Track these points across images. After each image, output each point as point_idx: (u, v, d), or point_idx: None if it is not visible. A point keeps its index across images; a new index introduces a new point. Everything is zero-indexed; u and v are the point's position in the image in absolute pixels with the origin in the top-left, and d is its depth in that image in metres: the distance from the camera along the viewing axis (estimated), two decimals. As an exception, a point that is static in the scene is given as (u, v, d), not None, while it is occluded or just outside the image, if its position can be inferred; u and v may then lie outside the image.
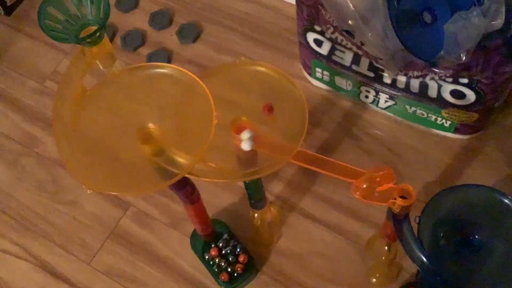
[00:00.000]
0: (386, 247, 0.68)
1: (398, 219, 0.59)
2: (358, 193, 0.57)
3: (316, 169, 0.58)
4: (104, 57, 0.47)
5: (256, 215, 0.73)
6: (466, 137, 0.84)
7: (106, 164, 0.47)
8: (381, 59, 0.69)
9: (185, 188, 0.58)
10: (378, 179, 0.57)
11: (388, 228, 0.64)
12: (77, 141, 0.47)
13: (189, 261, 0.79)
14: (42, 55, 1.00)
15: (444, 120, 0.81)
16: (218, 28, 0.99)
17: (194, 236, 0.78)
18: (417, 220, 0.59)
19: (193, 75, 0.48)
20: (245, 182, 0.64)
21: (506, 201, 0.60)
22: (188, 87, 0.48)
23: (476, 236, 0.61)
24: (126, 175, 0.47)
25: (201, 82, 0.47)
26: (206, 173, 0.50)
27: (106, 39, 0.47)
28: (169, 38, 0.99)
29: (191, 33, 0.98)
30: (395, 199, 0.56)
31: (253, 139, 0.53)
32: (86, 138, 0.48)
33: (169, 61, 0.96)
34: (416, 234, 0.58)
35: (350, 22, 0.65)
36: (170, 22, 1.00)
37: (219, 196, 0.83)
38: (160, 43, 0.99)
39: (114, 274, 0.80)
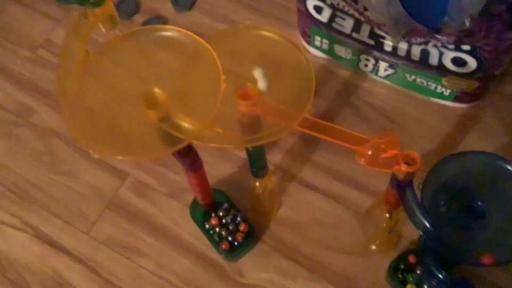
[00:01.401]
0: (387, 214, 0.68)
1: (402, 186, 0.59)
2: (363, 159, 0.57)
3: (321, 136, 0.57)
4: (107, 19, 0.46)
5: (257, 184, 0.73)
6: (466, 105, 0.84)
7: (111, 130, 0.46)
8: (384, 25, 0.68)
9: (189, 155, 0.57)
10: (382, 145, 0.57)
11: (390, 195, 0.64)
12: (82, 108, 0.46)
13: (189, 231, 0.79)
14: (34, 23, 0.98)
15: (444, 89, 0.81)
16: (214, -4, 0.97)
17: (194, 205, 0.78)
18: (420, 187, 0.59)
19: (198, 38, 0.47)
20: (247, 150, 0.64)
21: (507, 166, 0.60)
22: (194, 49, 0.47)
23: (478, 203, 0.61)
24: (131, 141, 0.46)
25: (207, 45, 0.46)
26: (212, 139, 0.49)
27: (108, 1, 0.45)
28: (164, 5, 0.97)
29: (186, 0, 0.96)
30: (400, 165, 0.56)
31: (258, 105, 0.53)
32: (91, 105, 0.47)
33: (164, 30, 0.94)
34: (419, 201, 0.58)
35: (353, -14, 0.64)
36: (164, -11, 0.98)
37: (219, 166, 0.83)
38: (155, 10, 0.97)
39: (114, 244, 0.80)
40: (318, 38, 0.85)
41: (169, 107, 0.46)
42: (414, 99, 0.86)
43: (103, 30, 0.47)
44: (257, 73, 0.50)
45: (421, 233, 0.58)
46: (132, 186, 0.84)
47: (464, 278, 0.60)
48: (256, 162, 0.66)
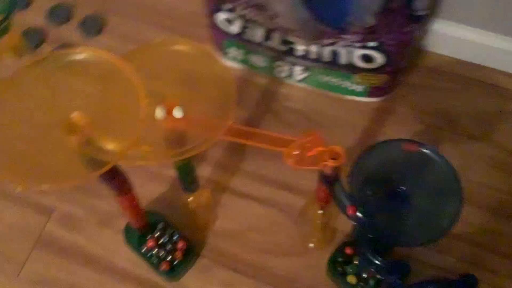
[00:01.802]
0: (320, 211, 0.70)
1: (330, 181, 0.61)
2: (290, 160, 0.59)
3: (248, 142, 0.58)
4: (12, 50, 0.45)
5: (190, 199, 0.72)
6: (379, 99, 0.88)
7: (33, 162, 0.45)
8: (294, 30, 0.70)
9: (117, 178, 0.56)
10: (307, 145, 0.59)
11: (321, 192, 0.65)
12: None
13: (126, 258, 0.77)
14: None
15: (356, 86, 0.85)
16: (123, 18, 0.96)
17: (128, 231, 0.76)
18: (348, 180, 0.62)
19: (112, 56, 0.46)
20: (177, 167, 0.63)
21: (423, 150, 0.64)
22: (108, 70, 0.47)
23: (402, 188, 0.64)
24: (56, 169, 0.44)
25: (122, 63, 0.46)
26: (139, 158, 0.48)
27: (14, 29, 0.44)
28: (71, 32, 0.95)
29: (94, 25, 0.95)
30: (326, 161, 0.58)
31: (184, 118, 0.53)
32: (8, 142, 0.45)
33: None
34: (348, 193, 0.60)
35: (260, -5, 0.66)
36: (70, 16, 0.96)
37: (149, 187, 0.82)
38: (63, 38, 0.95)
39: (48, 283, 0.76)
40: (231, 50, 0.87)
41: (90, 131, 0.45)
42: (330, 99, 0.89)
43: (9, 59, 0.45)
44: (177, 112, 0.50)
45: (354, 223, 0.60)
46: (59, 220, 0.81)
47: (399, 261, 0.63)
48: (186, 177, 0.66)
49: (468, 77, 0.91)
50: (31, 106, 0.48)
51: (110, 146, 0.46)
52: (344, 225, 0.79)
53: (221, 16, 0.80)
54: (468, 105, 0.88)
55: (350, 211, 0.58)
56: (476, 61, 0.91)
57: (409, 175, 0.65)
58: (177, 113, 0.50)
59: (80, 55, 0.47)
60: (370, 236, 0.63)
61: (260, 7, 0.72)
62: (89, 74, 0.48)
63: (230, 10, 0.78)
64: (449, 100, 0.89)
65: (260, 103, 0.90)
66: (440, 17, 0.87)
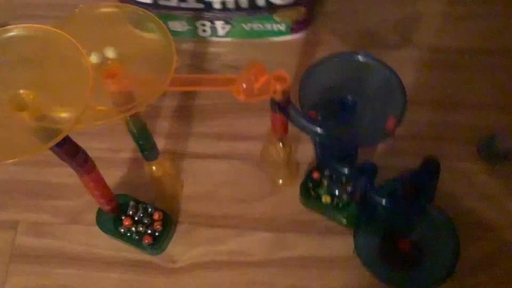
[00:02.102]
0: (280, 144, 0.73)
1: (282, 106, 0.63)
2: (241, 95, 0.60)
3: (195, 89, 0.60)
4: None
5: (153, 168, 0.73)
6: (302, 33, 0.91)
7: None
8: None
9: (78, 155, 0.56)
10: (252, 77, 0.61)
11: (276, 122, 0.68)
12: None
13: (106, 246, 0.77)
14: None
15: (278, 25, 0.87)
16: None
17: (100, 217, 0.76)
18: (299, 101, 0.65)
19: (46, 27, 0.46)
20: (133, 133, 0.64)
21: (359, 58, 0.68)
22: (47, 40, 0.46)
23: (349, 98, 0.68)
24: (10, 145, 0.44)
25: (58, 31, 0.46)
26: (91, 120, 0.49)
27: None
28: None
29: None
30: (274, 87, 0.60)
31: (125, 80, 0.53)
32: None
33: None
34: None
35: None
36: None
37: (108, 174, 0.80)
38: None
39: (33, 293, 0.75)
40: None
41: (40, 104, 0.45)
42: (259, 45, 0.91)
43: None
44: (110, 52, 0.50)
45: (315, 137, 0.63)
46: (26, 231, 0.79)
47: (366, 162, 0.66)
48: (144, 142, 0.66)
49: (377, -7, 0.96)
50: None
51: (62, 115, 0.46)
52: (305, 157, 0.82)
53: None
54: (384, 19, 0.93)
55: (312, 115, 0.61)
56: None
57: (353, 84, 0.68)
58: (110, 53, 0.50)
59: (12, 32, 0.46)
60: (330, 143, 0.66)
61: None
62: (27, 49, 0.47)
63: (140, -21, 0.78)
64: (365, 19, 0.93)
65: (192, 68, 0.90)
66: None
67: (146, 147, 0.67)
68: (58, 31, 0.46)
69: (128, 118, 0.60)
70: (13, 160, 0.42)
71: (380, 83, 0.68)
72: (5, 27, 0.46)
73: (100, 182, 0.64)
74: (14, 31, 0.46)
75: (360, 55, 0.67)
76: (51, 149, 0.50)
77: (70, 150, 0.53)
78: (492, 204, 0.78)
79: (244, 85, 0.59)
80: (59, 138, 0.45)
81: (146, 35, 0.55)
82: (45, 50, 0.47)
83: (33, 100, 0.45)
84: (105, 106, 0.50)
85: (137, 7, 0.55)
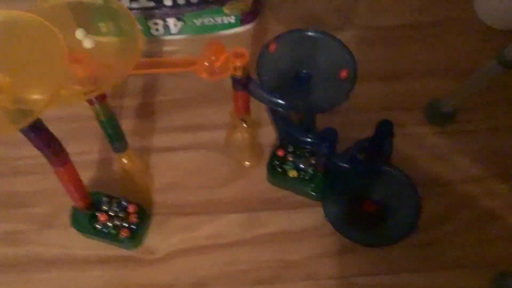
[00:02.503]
0: (243, 124, 0.76)
1: (243, 83, 0.67)
2: (204, 74, 0.64)
3: (157, 71, 0.62)
4: None
5: (124, 160, 0.74)
6: (252, 24, 0.96)
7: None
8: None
9: (53, 144, 0.57)
10: (212, 57, 0.64)
11: (238, 100, 0.71)
12: None
13: (83, 246, 0.77)
14: None
15: (228, 17, 0.91)
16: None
17: (75, 216, 0.76)
18: (257, 77, 0.68)
19: (18, 11, 0.48)
20: (102, 124, 0.66)
21: (310, 34, 0.72)
22: (18, 25, 0.48)
23: (303, 71, 0.72)
24: None
25: (30, 14, 0.48)
26: (61, 102, 0.51)
27: None
28: None
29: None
30: (234, 63, 0.63)
31: (90, 65, 0.55)
32: None
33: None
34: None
35: None
36: None
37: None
38: None
39: (15, 300, 0.74)
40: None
41: (17, 86, 0.47)
42: (211, 39, 0.94)
43: None
44: (79, 34, 0.53)
45: (277, 108, 0.67)
46: (3, 242, 0.79)
47: (327, 128, 0.70)
48: (113, 132, 0.68)
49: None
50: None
51: (37, 97, 0.48)
52: (268, 139, 0.86)
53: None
54: (324, 4, 0.99)
55: (275, 76, 0.64)
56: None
57: (306, 58, 0.73)
58: (80, 34, 0.52)
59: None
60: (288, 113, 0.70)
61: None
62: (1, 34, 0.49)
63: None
64: (308, 6, 0.99)
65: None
66: None
67: (116, 136, 0.69)
68: (29, 14, 0.48)
69: (97, 106, 0.62)
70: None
71: (329, 54, 0.72)
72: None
73: (74, 175, 0.65)
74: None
75: (309, 30, 0.71)
76: (28, 135, 0.52)
77: (45, 137, 0.55)
78: (444, 162, 0.84)
79: (206, 64, 0.63)
80: (31, 118, 0.47)
81: (102, 24, 0.58)
82: (17, 34, 0.49)
83: (9, 83, 0.47)
84: (76, 86, 0.52)
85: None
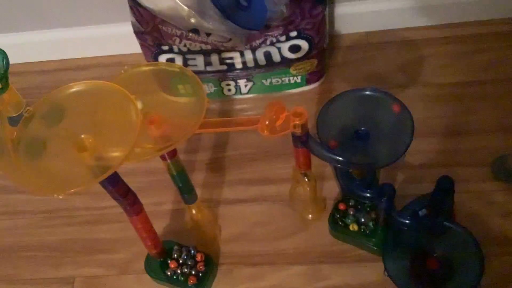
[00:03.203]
0: (306, 179, 0.79)
1: (303, 140, 0.71)
2: (265, 132, 0.68)
3: (224, 130, 0.68)
4: (13, 103, 0.54)
5: (193, 211, 0.80)
6: (317, 84, 1.01)
7: (56, 175, 0.53)
8: (227, 40, 0.82)
9: (129, 195, 0.64)
10: (274, 116, 0.69)
11: (299, 156, 0.75)
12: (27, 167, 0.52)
13: (154, 291, 0.83)
14: None
15: (295, 77, 0.97)
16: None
17: (148, 263, 0.82)
18: (317, 134, 0.72)
19: (100, 81, 0.56)
20: (173, 177, 0.72)
21: (367, 92, 0.76)
22: (100, 92, 0.56)
23: (362, 128, 0.75)
24: (72, 180, 0.53)
25: (111, 83, 0.56)
26: (135, 158, 0.57)
27: (11, 86, 0.53)
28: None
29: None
30: (294, 122, 0.68)
31: (163, 125, 0.62)
32: (32, 163, 0.53)
33: None
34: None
35: (192, 20, 0.77)
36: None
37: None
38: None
39: None
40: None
41: (97, 146, 0.54)
42: (279, 98, 1.00)
43: (12, 113, 0.54)
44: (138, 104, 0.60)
45: (335, 164, 0.70)
46: (83, 285, 0.86)
47: (385, 183, 0.72)
48: (183, 185, 0.74)
49: (381, 42, 1.05)
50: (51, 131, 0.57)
51: (115, 154, 0.55)
52: (331, 193, 0.89)
53: (164, 58, 0.91)
54: (390, 63, 1.02)
55: (332, 144, 0.68)
56: (382, 27, 1.06)
57: (366, 116, 0.76)
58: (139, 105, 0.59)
59: (74, 88, 0.57)
60: (350, 170, 0.73)
61: (193, 33, 0.84)
62: (86, 100, 0.57)
63: (170, 49, 0.89)
64: (373, 65, 1.03)
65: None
66: (338, 1, 1.02)
67: (185, 189, 0.75)
68: (111, 83, 0.56)
69: (169, 161, 0.69)
70: (74, 189, 0.51)
71: (388, 112, 0.75)
72: (68, 84, 0.57)
73: (147, 224, 0.71)
74: (76, 87, 0.56)
75: (368, 89, 0.75)
76: (106, 187, 0.59)
77: (121, 189, 0.62)
78: (511, 220, 0.82)
79: (267, 122, 0.68)
80: (109, 172, 0.53)
81: (180, 86, 0.65)
82: (101, 100, 0.57)
83: (92, 143, 0.54)
84: (149, 145, 0.59)
85: (169, 62, 0.64)
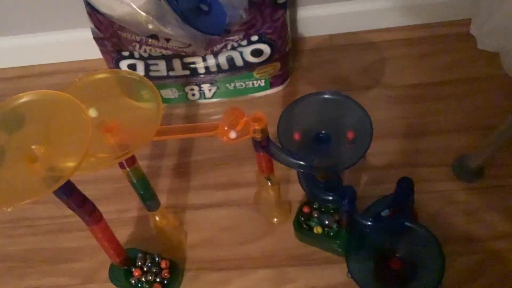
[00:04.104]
0: (268, 183, 0.80)
1: (264, 145, 0.71)
2: (225, 138, 0.68)
3: (183, 136, 0.67)
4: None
5: (157, 218, 0.79)
6: (281, 87, 1.01)
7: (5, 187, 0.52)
8: (187, 46, 0.82)
9: (86, 204, 0.63)
10: (233, 121, 0.69)
11: (261, 161, 0.75)
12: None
13: (120, 300, 0.82)
14: None
15: (259, 81, 0.97)
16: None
17: (112, 272, 0.81)
18: (278, 138, 0.72)
19: (51, 91, 0.55)
20: (134, 185, 0.71)
21: (327, 96, 0.76)
22: (51, 102, 0.55)
23: (322, 132, 0.76)
24: (24, 191, 0.52)
25: (62, 93, 0.55)
26: (90, 168, 0.57)
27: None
28: None
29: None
30: (253, 127, 0.68)
31: (120, 133, 0.62)
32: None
33: None
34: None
35: (150, 26, 0.77)
36: None
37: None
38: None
39: None
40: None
41: (50, 156, 0.53)
42: (243, 102, 1.01)
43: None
44: (92, 112, 0.60)
45: (298, 169, 0.70)
46: (47, 296, 0.85)
47: (346, 186, 0.73)
48: (144, 192, 0.74)
49: (344, 44, 1.06)
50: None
51: (68, 164, 0.54)
52: (296, 196, 0.89)
53: (125, 63, 0.90)
54: (353, 65, 1.03)
55: (296, 138, 0.68)
56: (345, 30, 1.07)
57: (326, 120, 0.76)
58: (92, 113, 0.59)
59: (24, 98, 0.56)
60: (314, 173, 0.73)
61: (152, 39, 0.83)
62: (37, 111, 0.56)
63: (131, 55, 0.88)
64: (337, 68, 1.03)
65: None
66: (300, 5, 1.03)
67: (147, 196, 0.74)
68: (62, 93, 0.55)
69: (128, 169, 0.68)
70: (26, 201, 0.50)
71: (348, 115, 0.76)
72: (18, 95, 0.56)
73: (108, 232, 0.70)
74: (26, 97, 0.56)
75: (328, 93, 0.76)
76: (61, 198, 0.58)
77: (77, 199, 0.61)
78: (474, 218, 0.83)
79: (226, 128, 0.67)
80: (60, 183, 0.53)
81: (144, 91, 0.64)
82: (52, 110, 0.56)
83: (44, 154, 0.53)
84: (105, 154, 0.59)
85: (126, 70, 0.64)
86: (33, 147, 0.54)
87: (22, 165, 0.53)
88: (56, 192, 0.56)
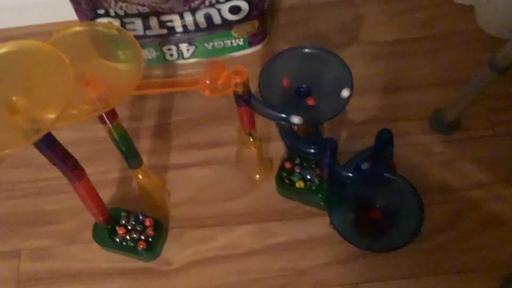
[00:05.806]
0: (250, 139, 0.80)
1: (246, 99, 0.71)
2: (206, 92, 0.68)
3: (163, 91, 0.67)
4: None
5: (140, 176, 0.79)
6: (260, 46, 1.00)
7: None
8: (165, 2, 0.81)
9: (68, 160, 0.63)
10: (214, 75, 0.69)
11: (243, 116, 0.75)
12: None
13: (105, 259, 0.83)
14: None
15: (237, 40, 0.97)
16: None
17: (96, 232, 0.81)
18: (259, 91, 0.73)
19: (33, 41, 0.54)
20: (117, 142, 0.71)
21: (306, 50, 0.77)
22: (32, 53, 0.54)
23: (303, 86, 0.76)
24: (4, 143, 0.52)
25: (44, 43, 0.54)
26: (71, 119, 0.56)
27: None
28: None
29: None
30: (235, 80, 0.68)
31: (100, 87, 0.61)
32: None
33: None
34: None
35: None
36: None
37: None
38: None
39: (43, 311, 0.80)
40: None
41: (30, 108, 0.53)
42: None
43: None
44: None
45: (279, 121, 0.71)
46: (30, 257, 0.84)
47: (327, 138, 0.74)
48: (127, 150, 0.73)
49: (321, 2, 1.06)
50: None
51: (49, 116, 0.53)
52: (277, 153, 0.90)
53: (98, 19, 0.88)
54: (331, 23, 1.03)
55: (284, 84, 0.68)
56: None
57: (307, 72, 0.77)
58: None
59: (3, 49, 0.55)
60: (294, 127, 0.74)
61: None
62: (17, 62, 0.55)
63: (106, 13, 0.87)
64: (315, 26, 1.03)
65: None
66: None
67: (129, 153, 0.74)
68: (42, 43, 0.54)
69: (110, 125, 0.68)
70: (7, 151, 0.49)
71: (328, 68, 0.76)
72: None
73: (91, 190, 0.70)
74: (4, 47, 0.54)
75: (307, 47, 0.76)
76: (43, 151, 0.58)
77: (59, 153, 0.60)
78: (450, 169, 0.86)
79: (208, 82, 0.67)
80: (42, 133, 0.52)
81: (120, 52, 0.63)
82: (32, 61, 0.55)
83: (25, 105, 0.52)
84: (86, 106, 0.58)
85: (105, 23, 0.63)
86: (13, 98, 0.53)
87: (3, 116, 0.52)
88: (38, 145, 0.56)
